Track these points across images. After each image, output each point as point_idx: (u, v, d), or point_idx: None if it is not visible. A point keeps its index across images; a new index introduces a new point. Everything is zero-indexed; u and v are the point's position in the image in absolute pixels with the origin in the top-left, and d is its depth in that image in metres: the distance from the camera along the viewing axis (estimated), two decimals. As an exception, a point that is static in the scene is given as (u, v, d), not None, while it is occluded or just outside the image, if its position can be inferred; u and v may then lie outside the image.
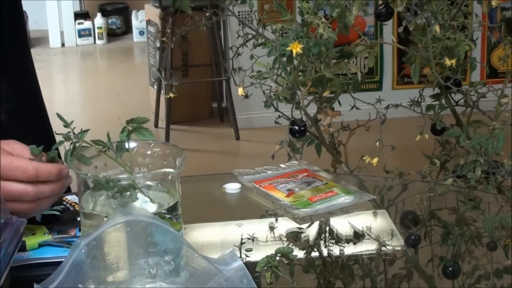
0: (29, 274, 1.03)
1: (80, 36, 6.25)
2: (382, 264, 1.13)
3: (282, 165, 1.42)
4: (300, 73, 1.49)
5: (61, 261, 0.88)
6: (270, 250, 0.99)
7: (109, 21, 6.41)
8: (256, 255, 1.11)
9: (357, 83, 1.65)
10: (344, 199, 1.27)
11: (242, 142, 4.08)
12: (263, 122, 4.05)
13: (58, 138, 0.99)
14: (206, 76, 4.49)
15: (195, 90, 4.34)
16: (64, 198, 1.23)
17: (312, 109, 1.62)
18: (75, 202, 1.21)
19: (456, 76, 1.61)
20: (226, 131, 4.14)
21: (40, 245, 1.07)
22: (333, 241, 1.19)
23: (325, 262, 1.14)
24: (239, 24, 1.45)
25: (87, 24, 6.25)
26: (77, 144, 0.94)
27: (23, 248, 1.05)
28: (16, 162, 1.02)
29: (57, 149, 1.02)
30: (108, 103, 4.81)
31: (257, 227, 1.23)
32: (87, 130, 0.95)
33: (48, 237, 1.08)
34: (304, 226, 1.21)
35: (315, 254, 1.16)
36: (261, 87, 1.44)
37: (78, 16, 6.29)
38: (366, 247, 1.17)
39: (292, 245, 1.17)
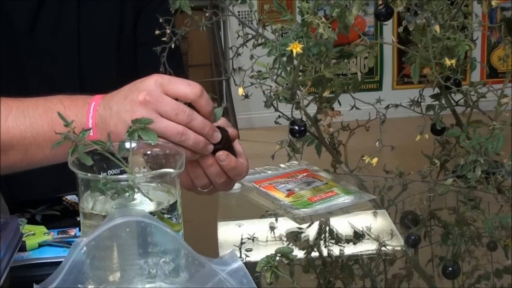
0: (29, 274, 1.03)
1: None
2: (382, 264, 1.13)
3: (282, 165, 1.42)
4: (300, 73, 1.49)
5: (61, 261, 0.88)
6: (270, 250, 0.99)
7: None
8: (256, 255, 1.11)
9: (357, 83, 1.65)
10: (344, 199, 1.27)
11: (242, 142, 4.07)
12: (263, 122, 4.05)
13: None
14: (206, 76, 4.50)
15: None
16: (64, 198, 1.23)
17: (312, 109, 1.62)
18: (75, 202, 1.21)
19: (456, 76, 1.60)
20: (226, 131, 4.14)
21: (40, 245, 1.07)
22: (333, 241, 1.19)
23: (325, 262, 1.14)
24: (239, 24, 1.45)
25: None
26: (78, 144, 0.94)
27: (23, 248, 1.05)
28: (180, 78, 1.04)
29: None
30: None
31: (257, 227, 1.23)
32: (88, 130, 0.95)
33: (48, 237, 1.08)
34: (304, 226, 1.21)
35: (315, 254, 1.16)
36: (261, 87, 1.43)
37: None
38: (366, 247, 1.17)
39: (292, 245, 1.17)
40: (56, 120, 1.07)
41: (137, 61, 1.42)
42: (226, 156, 1.04)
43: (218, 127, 1.06)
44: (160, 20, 1.32)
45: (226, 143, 1.06)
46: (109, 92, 1.22)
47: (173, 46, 1.32)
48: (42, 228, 1.11)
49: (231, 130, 1.08)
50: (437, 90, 1.73)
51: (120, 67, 1.39)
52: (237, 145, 1.08)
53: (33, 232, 1.09)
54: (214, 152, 1.05)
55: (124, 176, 0.94)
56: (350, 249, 1.15)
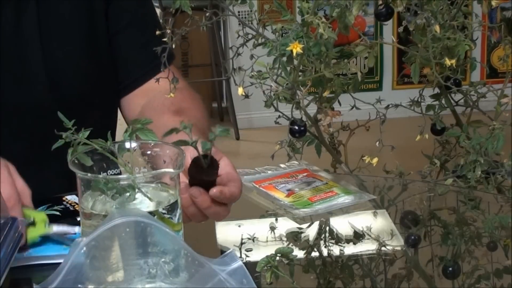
0: (29, 274, 1.03)
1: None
2: (382, 264, 1.13)
3: (282, 165, 1.42)
4: (300, 73, 1.49)
5: (61, 262, 0.88)
6: (270, 250, 0.99)
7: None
8: (256, 255, 1.11)
9: (357, 83, 1.65)
10: (344, 199, 1.27)
11: (242, 142, 4.07)
12: (263, 122, 4.05)
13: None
14: (206, 76, 4.49)
15: (195, 90, 4.33)
16: (64, 198, 1.23)
17: (312, 109, 1.62)
18: (75, 202, 1.21)
19: (456, 76, 1.60)
20: (226, 131, 4.13)
21: (42, 238, 1.07)
22: (333, 241, 1.19)
23: (325, 262, 1.14)
24: (239, 24, 1.45)
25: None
26: (78, 144, 0.94)
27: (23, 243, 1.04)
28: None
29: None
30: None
31: (257, 227, 1.23)
32: (88, 130, 0.95)
33: (49, 230, 1.07)
34: (304, 226, 1.21)
35: (315, 254, 1.16)
36: (261, 87, 1.43)
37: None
38: (366, 247, 1.17)
39: (292, 245, 1.17)
40: None
41: (116, 48, 1.40)
42: (220, 192, 1.02)
43: (212, 157, 1.02)
44: (161, 20, 1.31)
45: (212, 172, 1.02)
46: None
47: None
48: (42, 215, 1.09)
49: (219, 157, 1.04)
50: (437, 90, 1.73)
51: (94, 57, 1.38)
52: (231, 171, 1.05)
53: (32, 219, 1.07)
54: (201, 184, 1.02)
55: (124, 176, 0.94)
56: (350, 249, 1.15)
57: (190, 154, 1.00)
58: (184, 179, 1.03)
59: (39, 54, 1.31)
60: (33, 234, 1.06)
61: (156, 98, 1.33)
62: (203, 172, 1.00)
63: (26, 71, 1.31)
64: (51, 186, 1.28)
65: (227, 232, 1.22)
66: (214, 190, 1.01)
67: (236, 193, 1.04)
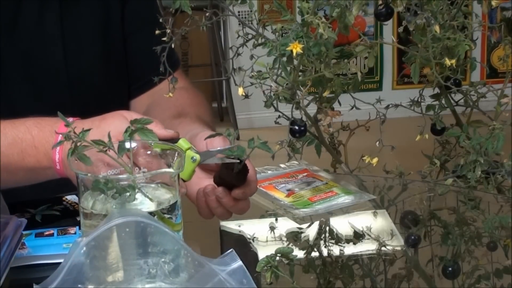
0: (29, 274, 1.03)
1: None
2: (382, 264, 1.13)
3: (282, 165, 1.42)
4: (300, 73, 1.48)
5: (61, 262, 0.88)
6: (270, 250, 0.99)
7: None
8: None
9: (357, 83, 1.64)
10: (344, 199, 1.27)
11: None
12: (263, 122, 4.05)
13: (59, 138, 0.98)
14: (206, 76, 4.49)
15: (195, 90, 4.33)
16: (64, 198, 1.23)
17: (312, 109, 1.62)
18: (75, 202, 1.21)
19: (456, 76, 1.60)
20: (226, 131, 4.13)
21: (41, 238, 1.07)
22: (333, 241, 1.19)
23: (325, 262, 1.14)
24: (239, 24, 1.45)
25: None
26: (78, 144, 0.94)
27: None
28: None
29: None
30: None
31: (257, 227, 1.23)
32: (88, 130, 0.95)
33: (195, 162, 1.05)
34: (304, 226, 1.21)
35: (315, 254, 1.16)
36: (261, 87, 1.43)
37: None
38: (366, 247, 1.17)
39: (292, 245, 1.17)
40: (25, 151, 1.11)
41: (127, 51, 1.42)
42: (243, 194, 1.07)
43: (245, 164, 1.06)
44: (161, 20, 1.32)
45: (243, 178, 1.06)
46: (97, 87, 1.22)
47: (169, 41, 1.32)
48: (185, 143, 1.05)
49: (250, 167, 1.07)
50: (437, 90, 1.73)
51: (110, 57, 1.39)
52: (252, 170, 1.09)
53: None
54: (227, 185, 1.06)
55: (124, 176, 0.94)
56: (350, 249, 1.15)
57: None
58: (204, 179, 1.07)
59: (61, 52, 1.33)
60: (188, 171, 1.04)
61: (162, 97, 1.34)
62: (233, 177, 1.05)
63: (47, 68, 1.32)
64: (52, 186, 1.28)
65: (228, 232, 1.22)
66: (237, 192, 1.06)
67: (254, 190, 1.10)
